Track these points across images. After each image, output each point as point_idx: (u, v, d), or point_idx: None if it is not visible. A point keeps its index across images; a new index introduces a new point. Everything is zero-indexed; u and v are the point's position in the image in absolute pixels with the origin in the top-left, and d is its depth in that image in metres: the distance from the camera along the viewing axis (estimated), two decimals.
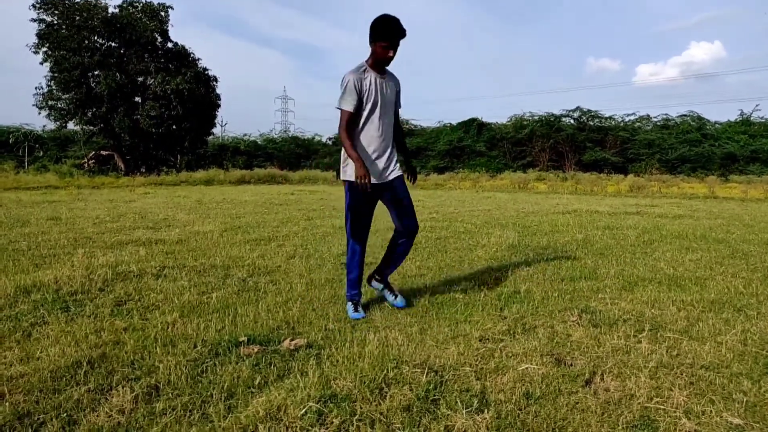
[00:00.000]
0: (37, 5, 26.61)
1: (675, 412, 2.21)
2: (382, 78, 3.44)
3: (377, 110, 3.42)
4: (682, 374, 2.57)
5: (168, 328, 3.16)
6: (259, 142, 47.34)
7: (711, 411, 2.22)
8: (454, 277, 4.74)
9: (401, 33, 3.28)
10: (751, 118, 38.39)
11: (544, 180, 26.60)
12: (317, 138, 51.18)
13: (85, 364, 2.59)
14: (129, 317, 3.39)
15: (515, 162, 37.36)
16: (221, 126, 56.30)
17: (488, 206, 12.68)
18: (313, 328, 3.26)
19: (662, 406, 2.25)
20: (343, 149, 3.44)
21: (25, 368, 2.53)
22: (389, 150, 3.55)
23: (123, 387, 2.35)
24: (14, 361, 2.63)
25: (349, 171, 3.45)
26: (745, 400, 2.31)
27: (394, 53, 3.34)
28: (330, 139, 50.40)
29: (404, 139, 3.83)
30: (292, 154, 44.47)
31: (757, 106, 44.34)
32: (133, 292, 4.01)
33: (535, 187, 23.39)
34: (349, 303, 3.62)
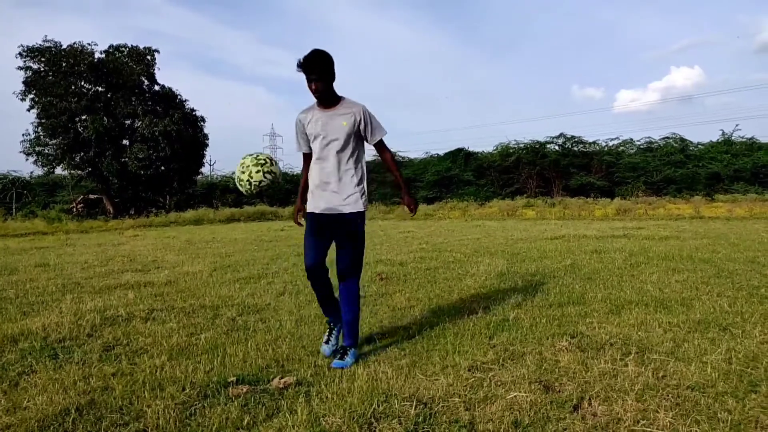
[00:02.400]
0: (24, 53, 26.86)
1: None
2: (326, 111, 3.41)
3: (318, 144, 3.43)
4: (668, 396, 2.60)
5: (156, 371, 3.15)
6: None
7: (696, 431, 2.24)
8: (443, 307, 4.76)
9: (307, 67, 3.27)
10: (733, 138, 39.06)
11: (533, 206, 26.79)
12: None
13: (73, 411, 2.57)
14: (117, 362, 3.38)
15: (503, 189, 37.65)
16: (210, 165, 56.50)
17: (477, 235, 12.75)
18: (303, 365, 3.26)
19: (649, 429, 2.27)
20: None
21: (12, 419, 2.51)
22: (335, 184, 3.42)
23: None
24: (1, 412, 2.61)
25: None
26: (729, 418, 2.34)
27: (315, 86, 3.31)
28: None
29: (396, 167, 3.66)
30: (281, 191, 44.50)
31: (737, 126, 45.09)
32: (122, 336, 4.00)
33: (523, 213, 23.56)
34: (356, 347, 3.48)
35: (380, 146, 3.56)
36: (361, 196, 3.47)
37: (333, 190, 3.42)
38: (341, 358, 3.30)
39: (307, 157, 3.57)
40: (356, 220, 3.42)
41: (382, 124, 3.54)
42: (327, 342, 3.57)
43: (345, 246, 3.44)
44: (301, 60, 3.28)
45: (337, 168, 3.42)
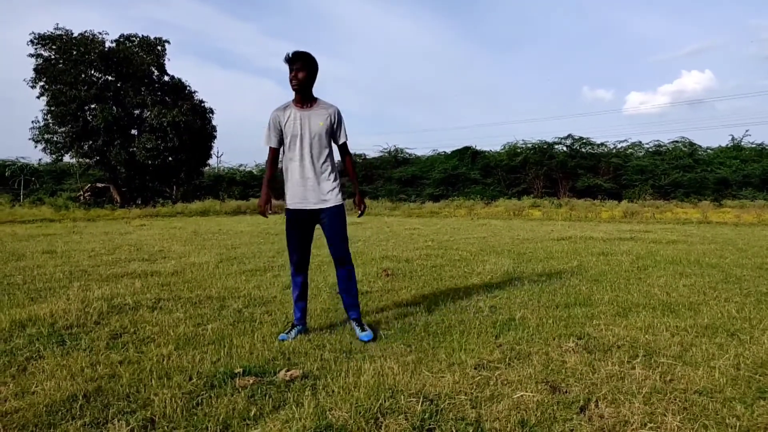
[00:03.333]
0: (35, 41, 26.94)
1: None
2: (305, 110, 3.69)
3: (297, 142, 3.68)
4: (675, 400, 2.59)
5: (163, 360, 3.17)
6: (255, 173, 47.45)
7: None
8: (449, 304, 4.75)
9: (292, 58, 3.60)
10: (742, 143, 38.83)
11: (539, 207, 26.72)
12: None
13: (80, 397, 2.59)
14: (124, 350, 3.40)
15: (510, 189, 37.56)
16: (217, 157, 56.50)
17: (483, 233, 12.73)
18: (309, 358, 3.27)
19: None
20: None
21: (21, 403, 2.53)
22: (311, 180, 3.69)
23: (119, 420, 2.36)
24: (9, 396, 2.63)
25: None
26: (738, 424, 2.32)
27: (297, 74, 3.60)
28: None
29: (354, 170, 4.00)
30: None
31: (747, 131, 44.89)
32: (129, 324, 4.02)
33: (529, 214, 23.50)
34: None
35: (344, 148, 3.88)
36: (339, 190, 3.78)
37: (312, 187, 3.69)
38: (363, 330, 3.75)
39: (274, 152, 3.82)
40: (339, 211, 3.76)
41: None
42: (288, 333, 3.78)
43: (336, 235, 3.78)
44: (289, 53, 3.62)
45: (314, 165, 3.69)
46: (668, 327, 3.91)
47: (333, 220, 3.74)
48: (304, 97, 3.69)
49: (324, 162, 3.71)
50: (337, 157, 3.87)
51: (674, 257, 7.89)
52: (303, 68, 3.59)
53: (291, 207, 3.77)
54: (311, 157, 3.68)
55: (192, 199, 29.80)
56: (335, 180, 3.75)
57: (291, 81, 3.63)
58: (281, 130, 3.72)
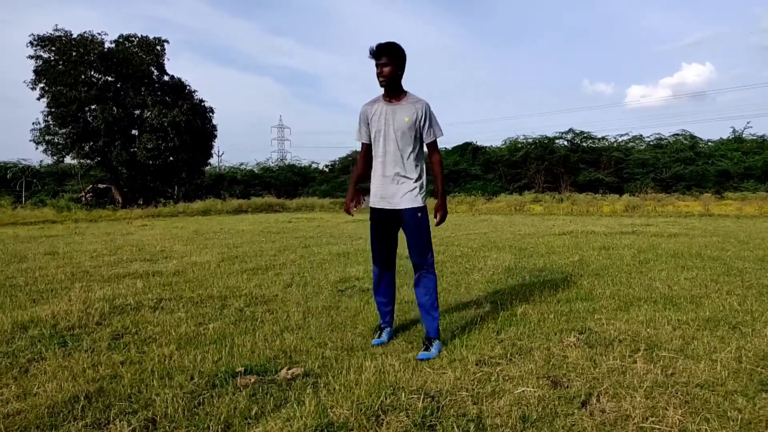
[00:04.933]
0: (35, 42, 26.95)
1: (670, 431, 2.21)
2: (391, 105, 3.45)
3: (381, 138, 3.47)
4: (677, 393, 2.58)
5: (165, 360, 3.17)
6: (256, 171, 47.53)
7: (706, 429, 2.23)
8: (451, 301, 4.75)
9: (378, 52, 3.34)
10: (743, 136, 38.77)
11: (540, 202, 26.69)
12: (314, 165, 51.45)
13: (82, 398, 2.59)
14: (126, 351, 3.40)
15: (511, 184, 37.53)
16: (218, 156, 56.60)
17: (485, 229, 12.72)
18: (310, 356, 3.27)
19: (657, 426, 2.26)
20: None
21: (22, 405, 2.53)
22: (396, 178, 3.46)
23: (120, 421, 2.36)
24: (11, 398, 2.63)
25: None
26: (740, 417, 2.32)
27: (383, 70, 3.36)
28: (327, 166, 50.68)
29: (440, 171, 3.61)
30: (289, 182, 44.66)
31: (748, 123, 44.70)
32: (130, 325, 4.02)
33: (531, 209, 23.48)
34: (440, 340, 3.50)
35: (432, 146, 3.53)
36: (420, 191, 3.50)
37: (393, 186, 3.47)
38: (426, 350, 3.33)
39: (365, 147, 3.61)
40: (416, 214, 3.46)
41: (440, 124, 3.54)
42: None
43: (414, 238, 3.49)
44: (373, 46, 3.36)
45: (397, 163, 3.46)
46: (670, 320, 3.90)
47: (411, 222, 3.46)
48: (392, 91, 3.44)
49: (407, 160, 3.44)
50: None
51: (676, 250, 7.88)
52: (389, 62, 3.33)
53: (372, 205, 3.57)
54: (394, 154, 3.44)
55: (193, 198, 29.84)
56: (418, 180, 3.47)
57: (378, 76, 3.39)
58: (368, 125, 3.54)
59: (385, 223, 3.56)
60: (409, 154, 3.46)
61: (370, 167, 3.63)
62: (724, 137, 39.47)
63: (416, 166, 3.48)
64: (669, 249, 8.07)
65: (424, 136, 3.47)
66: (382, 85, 3.43)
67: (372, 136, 3.53)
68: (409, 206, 3.45)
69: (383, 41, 3.39)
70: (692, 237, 10.05)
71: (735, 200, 24.35)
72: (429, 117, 3.45)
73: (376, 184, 3.54)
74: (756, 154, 35.01)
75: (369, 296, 4.99)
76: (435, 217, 3.58)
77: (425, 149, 3.59)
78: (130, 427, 2.30)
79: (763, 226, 12.61)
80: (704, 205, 20.71)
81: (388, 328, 3.70)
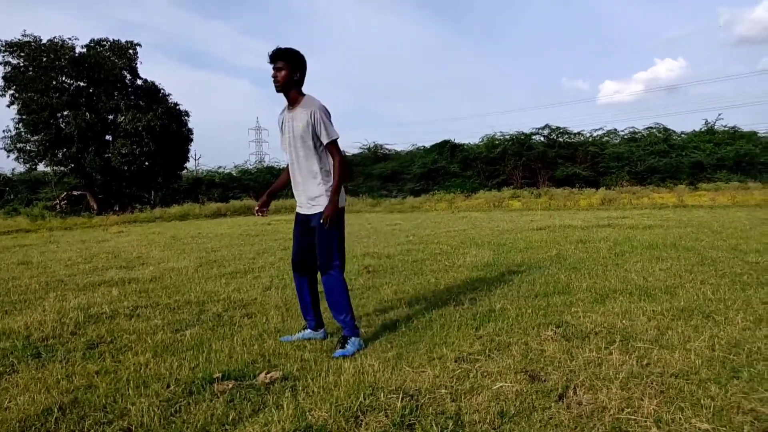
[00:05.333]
0: (3, 48, 26.39)
1: (645, 421, 2.25)
2: (291, 112, 3.48)
3: (287, 145, 3.54)
4: (652, 383, 2.62)
5: (141, 369, 3.13)
6: (234, 174, 47.08)
7: (680, 418, 2.26)
8: (430, 299, 4.76)
9: (271, 57, 3.39)
10: (715, 127, 39.43)
11: (519, 197, 26.88)
12: None
13: (56, 410, 2.54)
14: (101, 360, 3.34)
15: (489, 181, 37.72)
16: (195, 160, 55.98)
17: (464, 226, 12.78)
18: (289, 359, 3.25)
19: (633, 417, 2.29)
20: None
21: None
22: (300, 184, 3.52)
23: None
24: None
25: None
26: (712, 405, 2.36)
27: (275, 75, 3.39)
28: None
29: (338, 173, 3.44)
30: (268, 185, 43.94)
31: (720, 115, 45.52)
32: (106, 333, 3.96)
33: (509, 204, 23.64)
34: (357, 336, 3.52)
35: (330, 148, 3.43)
36: (327, 195, 3.43)
37: (302, 191, 3.52)
38: (341, 347, 3.39)
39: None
40: (320, 219, 3.41)
41: (334, 128, 3.43)
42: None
43: (317, 241, 3.48)
44: (269, 52, 3.40)
45: (301, 169, 3.49)
46: (645, 311, 3.95)
47: (316, 227, 3.44)
48: (288, 97, 3.46)
49: (311, 165, 3.44)
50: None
51: (651, 242, 7.99)
52: (284, 67, 3.35)
53: (296, 210, 3.64)
54: (297, 161, 3.47)
55: (170, 203, 29.45)
56: (326, 186, 3.43)
57: (273, 81, 3.40)
58: (281, 133, 3.61)
59: (301, 227, 3.60)
60: (312, 160, 3.45)
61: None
62: (697, 129, 40.12)
63: (320, 171, 3.44)
64: (644, 241, 8.19)
65: (321, 139, 3.41)
66: (277, 90, 3.44)
67: (283, 144, 3.60)
68: (314, 212, 3.47)
69: (282, 47, 3.40)
70: (667, 228, 10.21)
71: (708, 191, 24.78)
72: (320, 120, 3.37)
73: (294, 191, 3.61)
74: (728, 145, 35.66)
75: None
76: (323, 216, 3.40)
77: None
78: None
79: (735, 216, 12.85)
80: (678, 197, 21.05)
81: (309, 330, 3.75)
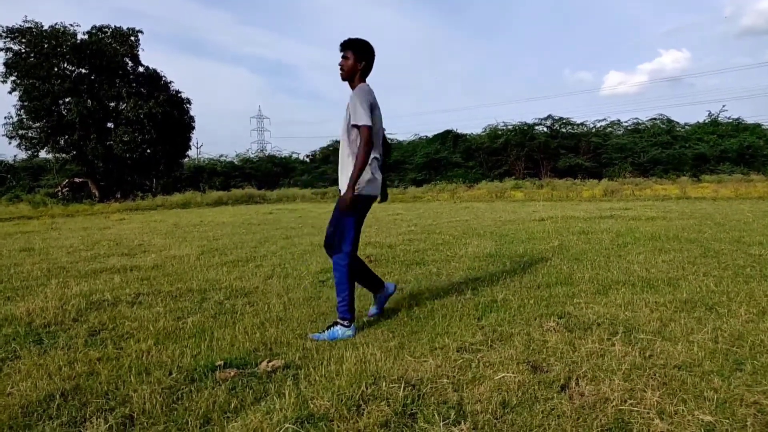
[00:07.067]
0: (4, 34, 26.30)
1: (648, 413, 2.24)
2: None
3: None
4: (655, 375, 2.61)
5: (143, 356, 3.13)
6: (236, 163, 47.13)
7: (683, 410, 2.25)
8: (432, 289, 4.76)
9: (340, 45, 3.55)
10: (719, 119, 39.31)
11: (521, 188, 26.86)
12: (294, 156, 51.21)
13: (58, 396, 2.54)
14: (103, 347, 3.35)
15: (492, 171, 37.69)
16: (197, 148, 55.95)
17: (466, 216, 12.77)
18: (291, 348, 3.25)
19: (636, 408, 2.28)
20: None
21: None
22: (340, 167, 3.57)
23: (97, 419, 2.32)
24: None
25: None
26: (715, 397, 2.35)
27: (341, 65, 3.54)
28: (308, 156, 50.44)
29: (358, 156, 3.38)
30: (269, 173, 44.37)
31: (723, 107, 45.43)
32: (108, 321, 3.96)
33: (511, 195, 23.61)
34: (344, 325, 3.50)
35: (357, 132, 3.41)
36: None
37: (340, 174, 3.57)
38: (323, 331, 3.49)
39: None
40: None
41: (364, 114, 3.34)
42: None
43: (330, 221, 3.59)
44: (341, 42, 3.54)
45: (341, 152, 3.57)
46: (647, 303, 3.94)
47: (336, 206, 3.56)
48: (351, 86, 3.56)
49: (344, 149, 3.54)
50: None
51: (653, 233, 7.97)
52: (350, 57, 3.50)
53: None
54: (341, 143, 3.59)
55: (172, 191, 29.47)
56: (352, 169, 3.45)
57: (339, 70, 3.55)
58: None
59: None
60: (344, 143, 3.53)
61: (386, 151, 3.83)
62: (701, 121, 40.00)
63: (351, 154, 3.48)
64: (647, 232, 8.17)
65: (351, 122, 3.45)
66: (342, 78, 3.58)
67: None
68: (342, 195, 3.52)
69: (351, 37, 3.53)
70: (670, 220, 10.18)
71: (711, 183, 24.74)
72: (354, 104, 3.38)
73: None
74: (731, 137, 35.58)
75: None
76: (339, 200, 3.53)
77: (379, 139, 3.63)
78: (107, 425, 2.26)
79: (738, 208, 12.82)
80: (681, 188, 21.01)
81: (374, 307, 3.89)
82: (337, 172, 3.73)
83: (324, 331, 3.47)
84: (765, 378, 2.54)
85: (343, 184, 3.48)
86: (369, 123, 3.34)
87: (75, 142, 27.71)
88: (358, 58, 3.51)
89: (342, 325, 3.48)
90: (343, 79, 3.57)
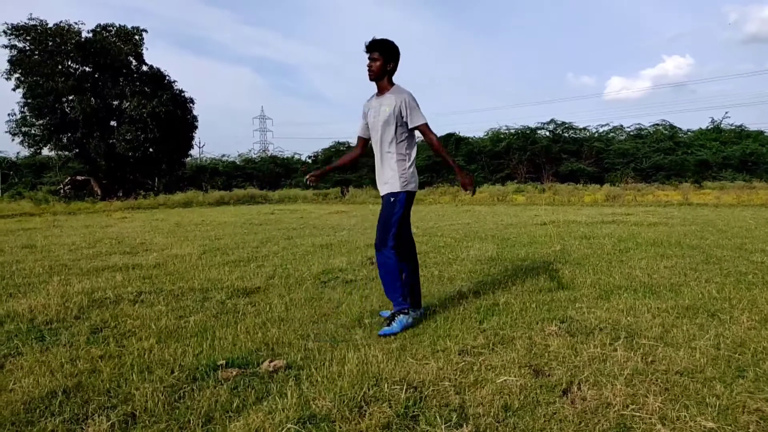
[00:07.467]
0: (8, 32, 26.36)
1: (650, 418, 2.24)
2: (379, 99, 3.69)
3: (371, 130, 3.75)
4: (657, 381, 2.61)
5: (145, 354, 3.13)
6: (238, 163, 47.20)
7: (685, 416, 2.25)
8: (433, 291, 4.76)
9: (367, 47, 3.60)
10: (722, 126, 39.30)
11: (523, 192, 26.86)
12: (296, 156, 51.26)
13: (60, 394, 2.55)
14: (105, 345, 3.35)
15: (494, 175, 37.69)
16: (199, 147, 56.04)
17: (468, 220, 12.77)
18: (293, 348, 3.25)
19: (638, 413, 2.28)
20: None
21: None
22: (379, 168, 3.71)
23: (99, 416, 2.32)
24: None
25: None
26: (718, 403, 2.35)
27: (369, 65, 3.62)
28: (309, 157, 50.47)
29: (441, 151, 3.67)
30: (271, 174, 44.41)
31: (726, 113, 45.39)
32: (110, 318, 3.96)
33: (513, 199, 23.62)
34: (404, 314, 3.64)
35: (424, 131, 3.64)
36: (400, 178, 3.62)
37: (379, 174, 3.72)
38: (387, 325, 3.55)
39: (360, 141, 3.95)
40: (389, 199, 3.66)
41: (422, 114, 3.62)
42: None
43: (379, 218, 3.73)
44: (366, 42, 3.60)
45: (381, 153, 3.68)
46: (650, 308, 3.94)
47: (382, 205, 3.71)
48: (379, 86, 3.68)
49: (388, 149, 3.64)
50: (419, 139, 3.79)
51: (655, 239, 7.97)
52: (379, 58, 3.57)
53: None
54: (379, 144, 3.67)
55: (174, 190, 29.50)
56: (399, 168, 3.62)
57: (368, 69, 3.62)
58: (365, 120, 3.82)
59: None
60: (390, 144, 3.63)
61: (355, 159, 4.08)
62: (703, 127, 39.98)
63: (396, 154, 3.64)
64: (649, 238, 8.16)
65: (409, 125, 3.61)
66: (370, 79, 3.66)
67: (370, 130, 3.78)
68: (385, 192, 3.67)
69: (377, 38, 3.59)
70: (672, 226, 10.18)
71: (713, 189, 24.72)
72: (409, 106, 3.58)
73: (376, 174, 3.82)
74: (734, 143, 35.57)
75: (352, 287, 4.98)
76: (465, 189, 3.71)
77: (415, 138, 3.78)
78: (109, 422, 2.26)
79: (740, 215, 12.81)
80: (683, 195, 20.99)
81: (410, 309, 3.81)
82: (340, 173, 3.79)
83: (391, 324, 3.54)
84: (767, 385, 2.54)
85: (388, 179, 3.65)
86: (427, 120, 3.63)
87: (78, 139, 27.76)
88: (386, 60, 3.59)
89: (403, 313, 3.61)
90: (372, 79, 3.66)
